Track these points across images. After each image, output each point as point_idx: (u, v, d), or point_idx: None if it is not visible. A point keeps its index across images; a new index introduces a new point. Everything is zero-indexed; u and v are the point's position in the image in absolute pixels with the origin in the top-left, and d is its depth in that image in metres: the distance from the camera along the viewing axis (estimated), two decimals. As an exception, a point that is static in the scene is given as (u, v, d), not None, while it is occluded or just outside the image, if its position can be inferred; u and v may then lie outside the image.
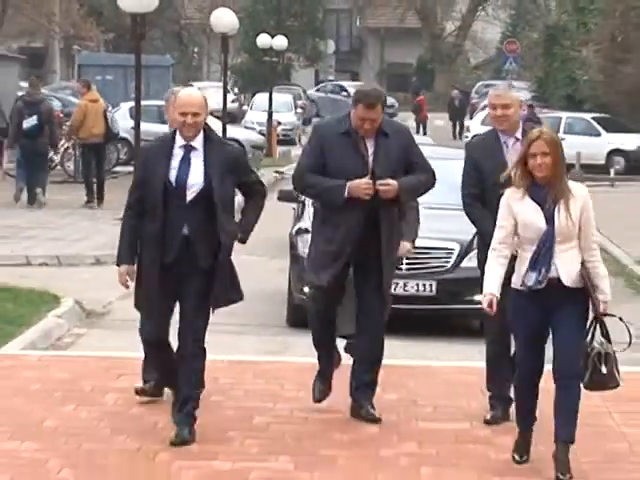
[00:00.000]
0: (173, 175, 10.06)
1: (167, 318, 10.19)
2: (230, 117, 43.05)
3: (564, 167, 9.11)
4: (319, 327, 10.80)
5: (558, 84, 54.67)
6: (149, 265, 10.09)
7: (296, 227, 17.68)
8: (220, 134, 41.71)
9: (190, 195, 10.04)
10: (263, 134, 47.70)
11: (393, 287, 17.06)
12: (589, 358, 9.12)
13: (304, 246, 16.82)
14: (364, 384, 10.33)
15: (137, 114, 28.10)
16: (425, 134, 58.66)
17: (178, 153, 10.10)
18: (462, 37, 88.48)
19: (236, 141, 43.29)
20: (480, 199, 10.54)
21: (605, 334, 9.11)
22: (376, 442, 10.56)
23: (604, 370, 9.06)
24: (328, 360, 10.82)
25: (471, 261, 15.90)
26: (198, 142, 10.11)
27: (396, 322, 14.06)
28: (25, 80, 41.68)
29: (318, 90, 77.29)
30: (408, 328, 16.05)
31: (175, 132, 10.16)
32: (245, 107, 59.51)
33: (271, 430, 10.96)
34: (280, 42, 55.20)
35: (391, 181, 10.32)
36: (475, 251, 15.65)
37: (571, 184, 9.11)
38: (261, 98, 56.80)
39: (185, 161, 10.05)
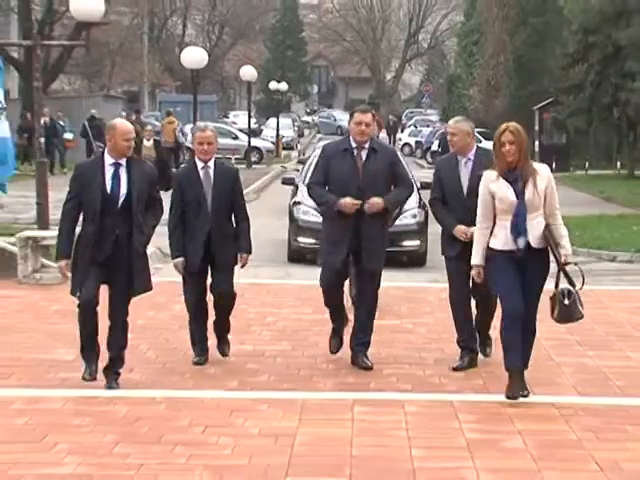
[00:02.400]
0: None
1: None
2: (253, 133, 46.51)
3: (529, 153, 8.31)
4: (330, 296, 9.46)
5: (455, 111, 55.03)
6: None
7: (292, 200, 18.20)
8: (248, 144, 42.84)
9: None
10: (273, 143, 48.88)
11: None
12: (556, 297, 8.22)
13: (297, 212, 17.40)
14: (361, 343, 9.30)
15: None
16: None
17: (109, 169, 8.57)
18: (396, 82, 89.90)
19: (257, 148, 44.01)
20: (441, 201, 9.40)
21: (569, 279, 8.22)
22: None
23: (566, 302, 8.14)
24: (339, 321, 9.60)
25: (401, 220, 16.24)
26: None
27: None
28: (125, 111, 43.55)
29: (318, 117, 79.19)
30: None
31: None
32: (262, 127, 60.11)
33: (278, 325, 11.13)
34: (283, 86, 59.29)
35: (377, 201, 9.11)
36: (405, 212, 16.26)
37: (536, 165, 8.29)
38: (272, 121, 58.28)
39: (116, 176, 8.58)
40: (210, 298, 9.37)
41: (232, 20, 78.90)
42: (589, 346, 10.01)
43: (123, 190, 8.40)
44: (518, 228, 8.11)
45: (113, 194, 8.39)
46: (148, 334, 8.09)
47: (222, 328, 9.52)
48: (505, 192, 8.13)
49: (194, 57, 32.15)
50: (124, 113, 40.22)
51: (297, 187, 18.56)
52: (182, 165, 19.37)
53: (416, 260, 17.01)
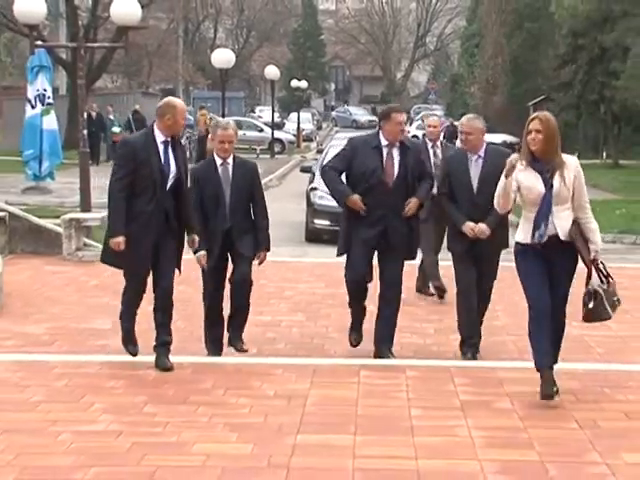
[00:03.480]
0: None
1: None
2: (277, 126, 46.61)
3: (558, 143, 7.07)
4: (355, 296, 8.63)
5: (458, 107, 54.94)
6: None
7: (310, 186, 18.10)
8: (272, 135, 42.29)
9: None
10: (295, 135, 48.73)
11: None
12: (584, 299, 7.20)
13: (314, 197, 17.36)
14: (385, 339, 8.46)
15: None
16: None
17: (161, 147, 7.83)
18: (405, 80, 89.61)
19: (280, 140, 43.95)
20: (450, 197, 8.58)
21: (599, 276, 7.17)
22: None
23: (590, 305, 7.14)
24: (359, 316, 8.72)
25: None
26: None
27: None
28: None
29: (335, 112, 78.82)
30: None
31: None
32: (285, 121, 59.92)
33: (294, 299, 11.16)
34: (304, 84, 59.09)
35: (414, 202, 8.37)
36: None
37: (565, 157, 7.10)
38: (293, 115, 57.94)
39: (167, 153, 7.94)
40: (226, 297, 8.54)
41: (258, 25, 78.99)
42: (573, 318, 9.92)
43: (173, 168, 7.79)
44: (540, 220, 7.03)
45: (166, 171, 7.76)
46: (178, 305, 8.05)
47: (238, 322, 8.45)
48: (533, 182, 7.04)
49: (223, 58, 32.33)
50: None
51: (314, 174, 18.57)
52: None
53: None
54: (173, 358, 7.85)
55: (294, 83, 59.50)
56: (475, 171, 8.53)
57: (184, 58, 63.79)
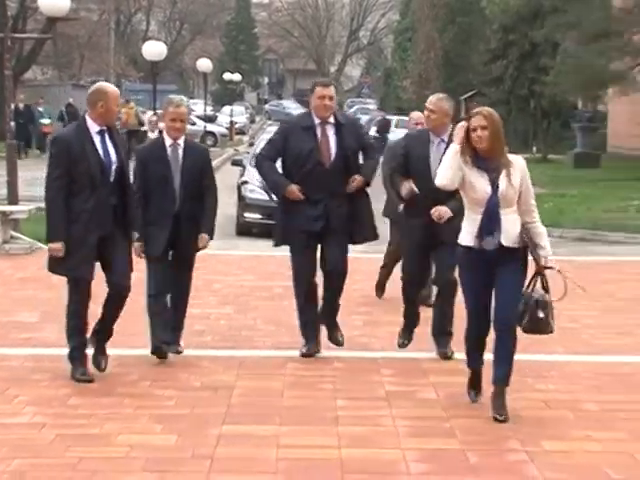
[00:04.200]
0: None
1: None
2: (209, 119, 46.88)
3: (503, 141, 6.54)
4: (304, 292, 8.15)
5: (391, 101, 55.34)
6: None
7: (240, 180, 18.11)
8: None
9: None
10: (227, 128, 48.44)
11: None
12: (528, 305, 6.46)
13: (244, 191, 17.40)
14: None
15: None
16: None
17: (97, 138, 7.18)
18: (339, 74, 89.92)
19: (212, 133, 43.76)
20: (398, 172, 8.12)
21: (545, 286, 6.52)
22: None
23: (541, 315, 6.44)
24: (310, 316, 8.19)
25: None
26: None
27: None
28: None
29: (269, 105, 78.38)
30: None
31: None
32: (217, 114, 59.69)
33: (223, 292, 11.16)
34: (237, 77, 58.50)
35: (356, 181, 7.90)
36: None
37: (510, 156, 6.56)
38: (226, 108, 57.75)
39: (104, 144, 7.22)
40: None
41: (191, 17, 78.67)
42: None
43: (113, 159, 7.15)
44: (489, 226, 6.47)
45: (106, 163, 7.10)
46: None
47: (178, 323, 8.01)
48: (479, 181, 6.50)
49: (154, 50, 32.16)
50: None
51: (245, 168, 18.57)
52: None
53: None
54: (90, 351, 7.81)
55: (227, 76, 59.64)
56: (436, 155, 7.72)
57: (116, 50, 63.32)
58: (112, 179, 7.19)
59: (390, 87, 65.25)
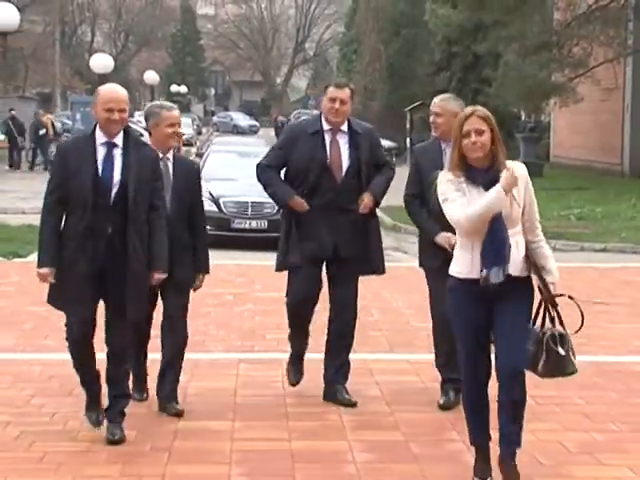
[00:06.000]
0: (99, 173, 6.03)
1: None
2: None
3: (503, 146, 5.34)
4: (296, 319, 7.46)
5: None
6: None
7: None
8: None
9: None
10: (175, 140, 48.83)
11: (243, 223, 17.15)
12: (542, 343, 5.26)
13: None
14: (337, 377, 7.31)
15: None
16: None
17: (101, 151, 6.06)
18: (285, 85, 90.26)
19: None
20: (419, 199, 6.88)
21: (558, 318, 5.37)
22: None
23: (562, 351, 5.24)
24: (301, 347, 7.60)
25: None
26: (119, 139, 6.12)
27: (249, 244, 14.21)
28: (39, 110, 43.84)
29: (216, 117, 78.64)
30: (253, 247, 16.20)
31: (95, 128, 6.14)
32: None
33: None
34: (183, 89, 58.47)
35: (366, 200, 6.93)
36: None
37: (511, 164, 5.33)
38: (173, 120, 57.68)
39: (109, 159, 6.05)
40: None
41: (136, 29, 78.83)
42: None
43: (116, 178, 6.00)
44: (495, 255, 5.24)
45: (105, 182, 5.97)
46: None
47: (173, 375, 6.90)
48: (476, 199, 5.25)
49: (102, 63, 32.62)
50: (41, 111, 39.85)
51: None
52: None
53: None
54: (58, 355, 8.05)
55: (174, 88, 59.98)
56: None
57: (61, 62, 63.28)
58: (112, 202, 6.01)
59: (336, 100, 65.98)
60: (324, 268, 7.21)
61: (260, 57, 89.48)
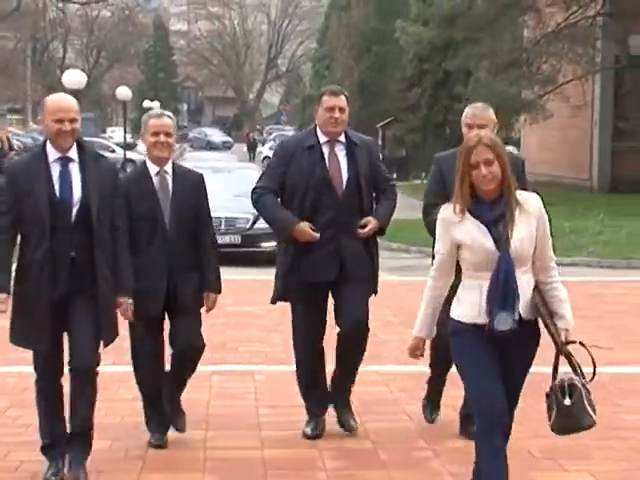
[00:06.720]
0: (57, 192, 5.55)
1: None
2: (129, 146, 47.57)
3: (513, 175, 4.80)
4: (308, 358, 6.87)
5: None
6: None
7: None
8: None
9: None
10: (147, 156, 49.14)
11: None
12: (551, 397, 4.87)
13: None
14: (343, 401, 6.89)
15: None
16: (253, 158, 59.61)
17: (55, 168, 5.59)
18: (258, 101, 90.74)
19: (132, 160, 44.33)
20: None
21: (572, 365, 4.88)
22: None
23: (567, 402, 4.76)
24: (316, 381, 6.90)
25: (259, 224, 15.85)
26: (73, 153, 5.64)
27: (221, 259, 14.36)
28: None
29: (191, 133, 79.08)
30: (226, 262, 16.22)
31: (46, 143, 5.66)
32: (137, 141, 60.04)
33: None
34: (156, 104, 59.41)
35: (371, 225, 6.44)
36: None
37: (522, 194, 4.85)
38: (146, 136, 57.90)
39: (65, 176, 5.58)
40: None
41: (108, 45, 79.05)
42: (410, 327, 10.62)
43: (76, 197, 5.54)
44: (503, 298, 4.72)
45: (65, 199, 5.51)
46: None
47: (177, 392, 6.65)
48: (479, 239, 4.76)
49: (74, 79, 32.72)
50: (9, 128, 40.04)
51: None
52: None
53: (274, 259, 17.43)
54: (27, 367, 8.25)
55: (146, 104, 60.15)
56: None
57: (32, 78, 63.38)
58: (72, 222, 5.55)
59: (308, 114, 66.32)
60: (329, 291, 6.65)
61: (233, 73, 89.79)
